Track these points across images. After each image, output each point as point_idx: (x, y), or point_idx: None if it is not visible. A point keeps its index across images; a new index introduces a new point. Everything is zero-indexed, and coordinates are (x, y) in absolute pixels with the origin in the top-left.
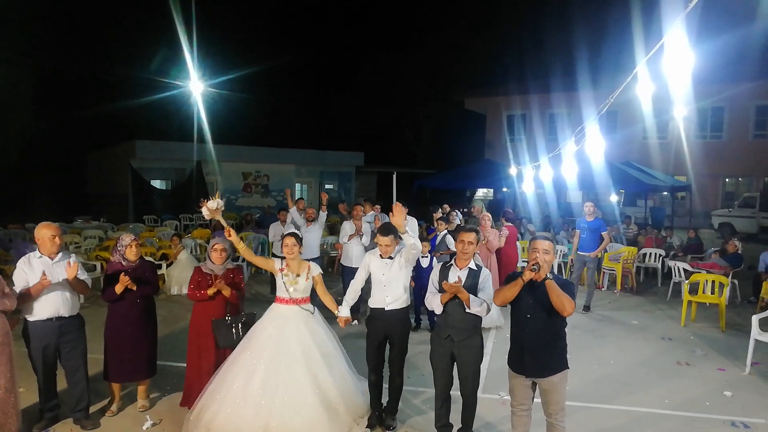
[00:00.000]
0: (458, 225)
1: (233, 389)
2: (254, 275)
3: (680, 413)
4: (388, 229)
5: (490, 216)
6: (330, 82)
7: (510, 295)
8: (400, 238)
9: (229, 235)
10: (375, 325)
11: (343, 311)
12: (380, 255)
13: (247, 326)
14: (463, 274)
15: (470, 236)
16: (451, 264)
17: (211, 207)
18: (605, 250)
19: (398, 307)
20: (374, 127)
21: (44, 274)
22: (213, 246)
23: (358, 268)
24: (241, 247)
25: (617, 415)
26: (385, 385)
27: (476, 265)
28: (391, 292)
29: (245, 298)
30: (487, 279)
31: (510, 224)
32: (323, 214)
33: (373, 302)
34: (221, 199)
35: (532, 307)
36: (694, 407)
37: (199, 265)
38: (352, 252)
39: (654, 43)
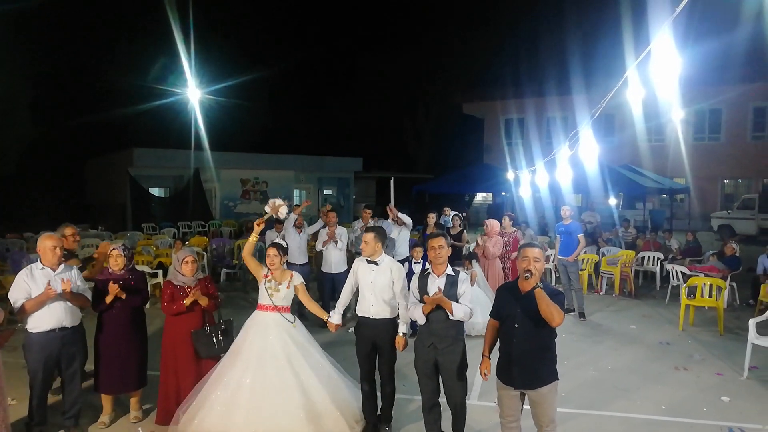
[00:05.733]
0: (461, 229)
1: (221, 397)
2: (252, 281)
3: (677, 419)
4: (373, 228)
5: (497, 222)
6: (328, 89)
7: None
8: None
9: (259, 225)
10: (362, 333)
11: (335, 318)
12: (366, 260)
13: (227, 334)
14: (441, 281)
15: (439, 241)
16: (429, 272)
17: (276, 204)
18: (603, 254)
19: (385, 317)
20: (372, 132)
21: (49, 284)
22: (184, 259)
23: (335, 273)
24: (251, 242)
25: (613, 421)
26: (378, 393)
27: (453, 270)
28: (376, 301)
29: (239, 305)
30: (465, 282)
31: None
32: (320, 222)
33: (360, 310)
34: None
35: (520, 317)
36: (691, 413)
37: (169, 279)
38: (331, 258)
39: (644, 48)
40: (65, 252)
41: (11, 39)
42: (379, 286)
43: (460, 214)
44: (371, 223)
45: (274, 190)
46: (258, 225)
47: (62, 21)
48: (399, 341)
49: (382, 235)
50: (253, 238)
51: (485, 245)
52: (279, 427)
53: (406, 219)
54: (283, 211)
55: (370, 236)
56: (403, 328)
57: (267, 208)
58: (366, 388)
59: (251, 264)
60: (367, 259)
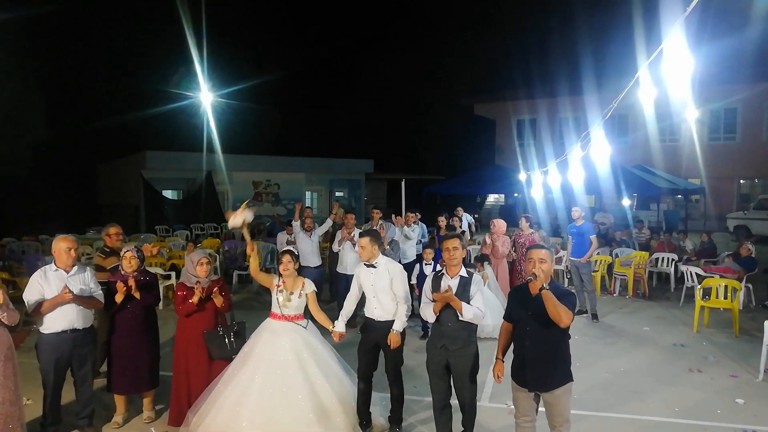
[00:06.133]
0: (462, 231)
1: (231, 398)
2: None
3: (691, 421)
4: (367, 232)
5: (503, 222)
6: (339, 90)
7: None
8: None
9: (252, 250)
10: (367, 333)
11: (339, 326)
12: (365, 264)
13: (239, 336)
14: (455, 282)
15: (453, 242)
16: (443, 273)
17: (235, 223)
18: (617, 255)
19: (388, 318)
20: (384, 134)
21: (66, 288)
22: (198, 260)
23: (351, 275)
24: (254, 265)
25: (626, 423)
26: (388, 395)
27: (467, 272)
28: (379, 304)
29: (251, 307)
30: (478, 284)
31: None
32: (328, 222)
33: (366, 312)
34: (249, 207)
35: (531, 319)
36: (705, 415)
37: (182, 281)
38: (347, 259)
39: (656, 47)
40: (108, 250)
41: (25, 43)
42: (379, 288)
43: (459, 218)
44: (379, 224)
45: (285, 191)
46: (251, 251)
47: (76, 25)
48: (391, 338)
49: (377, 238)
50: (254, 261)
51: (494, 244)
52: (285, 426)
53: (410, 233)
54: (248, 217)
55: (365, 240)
56: (397, 326)
57: (230, 225)
58: (362, 387)
59: (261, 279)
60: (365, 264)
